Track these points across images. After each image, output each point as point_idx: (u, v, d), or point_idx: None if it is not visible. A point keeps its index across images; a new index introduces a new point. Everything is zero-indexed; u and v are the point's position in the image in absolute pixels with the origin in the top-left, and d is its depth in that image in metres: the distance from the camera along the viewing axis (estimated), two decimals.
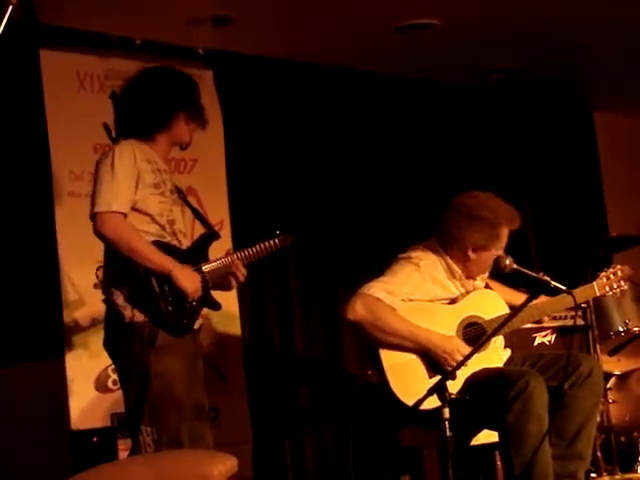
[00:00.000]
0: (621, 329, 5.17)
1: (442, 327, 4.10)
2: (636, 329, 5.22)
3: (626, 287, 4.46)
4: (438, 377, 3.95)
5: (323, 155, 6.15)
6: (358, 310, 4.07)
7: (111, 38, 5.37)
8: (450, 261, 4.22)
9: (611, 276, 4.40)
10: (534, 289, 3.61)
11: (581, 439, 3.97)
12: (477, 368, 4.01)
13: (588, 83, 7.09)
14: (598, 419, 4.45)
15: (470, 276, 4.27)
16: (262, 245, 4.04)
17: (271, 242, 4.06)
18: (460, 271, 4.23)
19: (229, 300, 5.45)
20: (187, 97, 3.94)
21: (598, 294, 4.40)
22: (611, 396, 5.37)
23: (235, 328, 5.65)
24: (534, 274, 3.75)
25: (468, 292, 4.25)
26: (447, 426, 3.24)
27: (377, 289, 4.09)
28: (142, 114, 3.85)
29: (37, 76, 5.11)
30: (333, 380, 5.92)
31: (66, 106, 5.22)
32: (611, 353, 5.40)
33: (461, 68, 6.41)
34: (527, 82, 6.82)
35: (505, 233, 4.19)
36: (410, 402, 3.90)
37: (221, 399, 5.42)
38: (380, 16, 5.45)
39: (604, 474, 4.88)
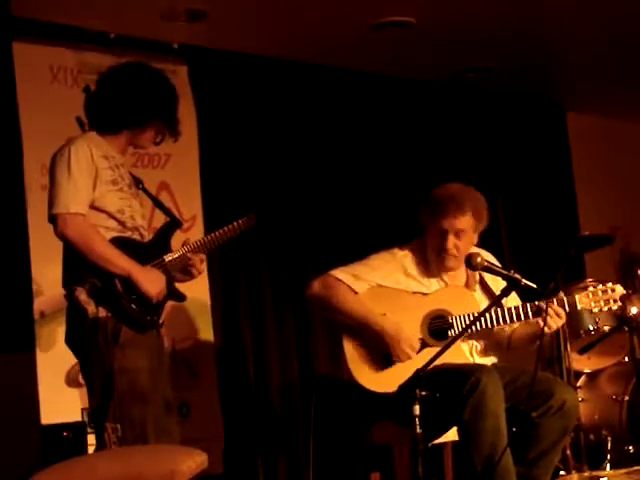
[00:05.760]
0: (591, 328, 5.21)
1: (407, 315, 4.08)
2: (606, 328, 5.27)
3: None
4: (396, 364, 4.02)
5: (297, 150, 6.14)
6: (315, 287, 4.18)
7: (85, 32, 5.34)
8: (428, 254, 4.18)
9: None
10: (507, 286, 3.63)
11: (540, 465, 3.94)
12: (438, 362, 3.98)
13: (562, 84, 7.13)
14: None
15: (443, 268, 4.18)
16: (225, 228, 3.98)
17: (235, 224, 4.01)
18: (434, 264, 4.17)
19: (200, 295, 5.45)
20: (166, 107, 3.89)
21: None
22: (581, 394, 5.41)
23: (206, 323, 5.64)
24: (505, 272, 3.76)
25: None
26: (417, 423, 3.24)
27: (342, 271, 4.16)
28: (119, 108, 3.80)
29: (10, 69, 5.05)
30: (304, 376, 5.92)
31: (39, 99, 5.19)
32: (581, 351, 5.44)
33: (436, 67, 6.41)
34: (502, 82, 6.83)
35: (441, 218, 4.07)
36: (366, 384, 4.01)
37: (192, 394, 5.42)
38: (356, 13, 5.44)
39: (573, 472, 4.92)
